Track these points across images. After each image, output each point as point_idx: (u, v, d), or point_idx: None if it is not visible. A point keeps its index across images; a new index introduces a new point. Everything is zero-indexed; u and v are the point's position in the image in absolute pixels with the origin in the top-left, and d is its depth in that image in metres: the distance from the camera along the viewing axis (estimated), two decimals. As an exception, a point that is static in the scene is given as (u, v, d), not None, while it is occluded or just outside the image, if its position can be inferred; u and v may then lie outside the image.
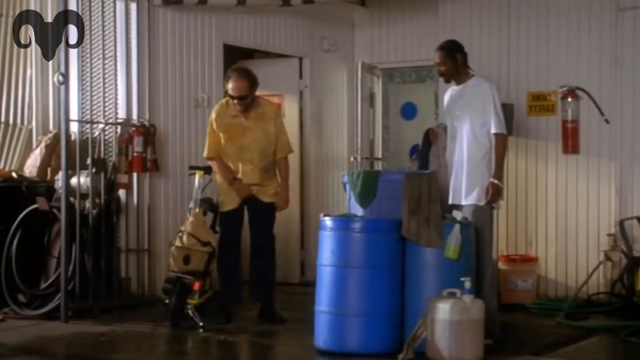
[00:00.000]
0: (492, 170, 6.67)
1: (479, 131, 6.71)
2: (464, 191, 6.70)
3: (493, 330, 6.51)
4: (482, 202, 6.64)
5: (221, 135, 7.43)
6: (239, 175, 7.41)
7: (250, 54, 9.96)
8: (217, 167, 7.48)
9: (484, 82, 6.87)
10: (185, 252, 7.25)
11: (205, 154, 7.55)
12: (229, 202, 7.46)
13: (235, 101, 7.37)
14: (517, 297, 8.19)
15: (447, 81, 7.03)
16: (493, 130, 6.69)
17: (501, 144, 6.72)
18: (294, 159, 9.19)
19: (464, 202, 6.69)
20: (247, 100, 7.39)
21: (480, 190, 6.66)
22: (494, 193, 6.63)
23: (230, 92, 7.38)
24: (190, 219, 7.38)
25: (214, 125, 7.46)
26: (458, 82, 6.92)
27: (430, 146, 7.13)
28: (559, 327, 7.35)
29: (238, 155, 7.43)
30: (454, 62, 6.85)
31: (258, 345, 6.96)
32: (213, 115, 7.52)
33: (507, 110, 8.10)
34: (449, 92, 7.05)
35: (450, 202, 6.74)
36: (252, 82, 7.39)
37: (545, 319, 7.69)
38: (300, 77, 9.96)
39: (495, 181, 6.64)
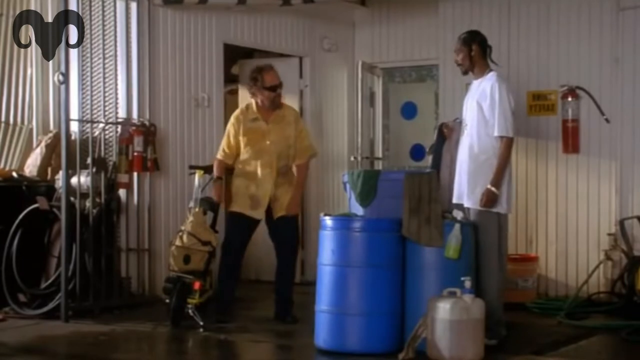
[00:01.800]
0: (492, 175, 6.46)
1: (485, 131, 6.51)
2: (467, 191, 6.57)
3: (498, 331, 6.49)
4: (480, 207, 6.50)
5: (241, 139, 7.41)
6: (259, 176, 7.34)
7: (250, 53, 9.96)
8: (216, 164, 7.48)
9: (495, 78, 6.58)
10: (185, 251, 7.25)
11: (218, 155, 7.52)
12: (241, 205, 7.41)
13: (278, 91, 7.40)
14: (517, 296, 8.15)
15: (464, 73, 6.80)
16: (495, 133, 6.46)
17: (504, 147, 6.47)
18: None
19: (466, 204, 6.57)
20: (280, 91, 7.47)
21: (481, 192, 6.48)
22: (487, 200, 6.43)
23: (269, 83, 7.35)
24: (191, 218, 7.38)
25: (233, 130, 7.43)
26: (476, 76, 6.71)
27: (444, 141, 6.97)
28: (559, 326, 7.35)
29: (257, 158, 7.38)
30: (468, 52, 6.66)
31: (258, 345, 6.96)
32: (232, 120, 7.49)
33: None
34: (470, 85, 6.85)
35: (454, 200, 6.66)
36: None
37: (545, 318, 7.68)
38: (301, 76, 9.96)
39: (492, 188, 6.43)
